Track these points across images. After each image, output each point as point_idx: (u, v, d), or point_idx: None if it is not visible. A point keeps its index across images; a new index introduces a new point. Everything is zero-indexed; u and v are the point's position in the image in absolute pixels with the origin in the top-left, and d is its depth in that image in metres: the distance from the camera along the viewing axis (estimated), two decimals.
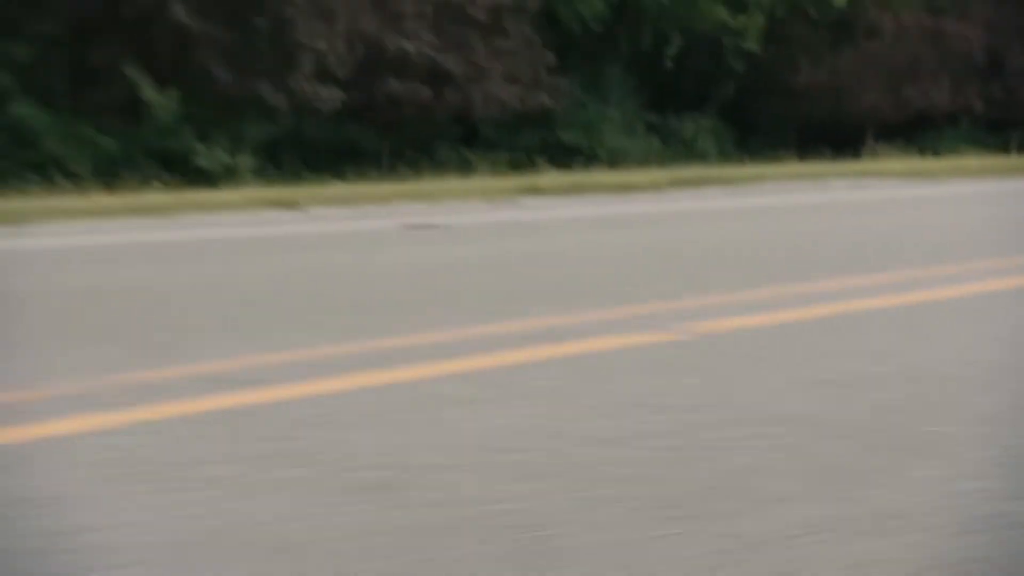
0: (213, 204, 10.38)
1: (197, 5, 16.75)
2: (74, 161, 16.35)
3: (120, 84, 16.75)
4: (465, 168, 22.09)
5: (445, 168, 21.61)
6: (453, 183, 15.31)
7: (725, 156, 25.78)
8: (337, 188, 13.77)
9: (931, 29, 26.11)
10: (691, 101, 27.31)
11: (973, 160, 21.33)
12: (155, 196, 12.35)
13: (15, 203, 11.01)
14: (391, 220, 8.33)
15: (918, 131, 25.82)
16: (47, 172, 15.88)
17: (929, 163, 21.25)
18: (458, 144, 24.06)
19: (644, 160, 24.34)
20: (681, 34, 26.28)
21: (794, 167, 20.68)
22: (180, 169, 16.89)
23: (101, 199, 11.23)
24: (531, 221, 8.84)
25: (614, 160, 24.23)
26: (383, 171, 19.80)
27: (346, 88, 18.49)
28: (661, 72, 26.78)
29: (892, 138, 25.98)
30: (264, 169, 17.66)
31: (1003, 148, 24.82)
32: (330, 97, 17.79)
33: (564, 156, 23.43)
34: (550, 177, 16.27)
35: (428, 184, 15.35)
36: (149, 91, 16.77)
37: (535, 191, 12.18)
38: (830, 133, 25.79)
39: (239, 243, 7.18)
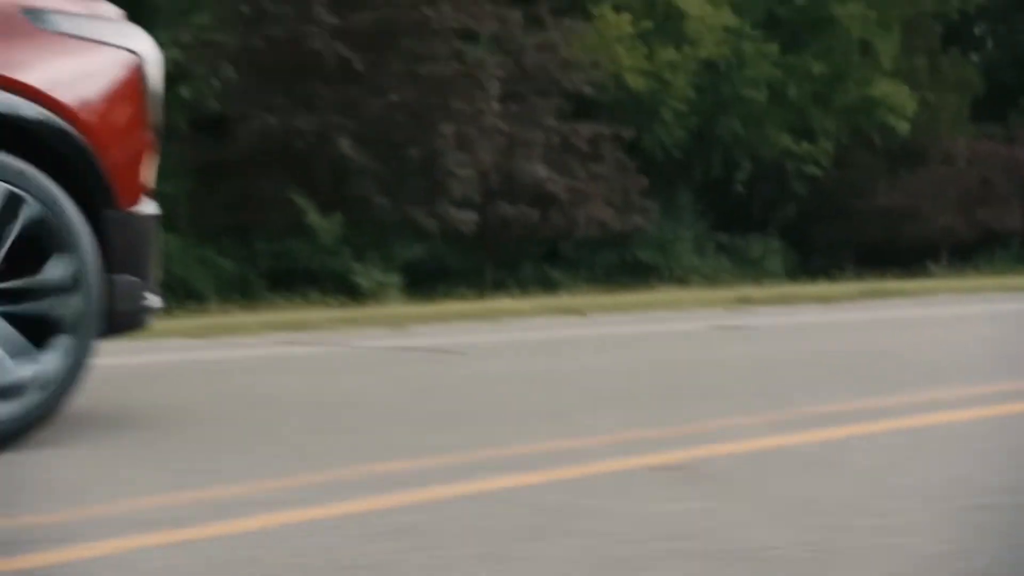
0: (506, 311, 11.75)
1: (358, 139, 18.35)
2: (244, 280, 17.83)
3: (288, 209, 18.29)
4: (548, 286, 23.51)
5: (529, 286, 23.08)
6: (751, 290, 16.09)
7: (790, 275, 27.25)
8: (609, 298, 14.81)
9: (989, 154, 27.96)
10: (757, 222, 28.98)
11: None
12: (462, 305, 13.24)
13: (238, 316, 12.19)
14: (700, 322, 9.58)
15: (981, 251, 27.47)
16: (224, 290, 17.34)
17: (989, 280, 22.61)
18: (541, 262, 25.61)
19: (714, 278, 25.88)
20: (750, 160, 28.02)
21: (875, 285, 22.06)
22: (337, 286, 18.39)
23: (358, 311, 12.37)
24: (823, 323, 9.98)
25: (686, 278, 25.75)
26: (487, 288, 21.29)
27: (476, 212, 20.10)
28: (729, 194, 28.49)
29: (952, 258, 27.62)
30: (408, 285, 19.18)
31: None
32: (469, 220, 19.36)
33: (641, 274, 24.96)
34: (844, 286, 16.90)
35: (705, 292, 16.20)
36: (314, 216, 18.31)
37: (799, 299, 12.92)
38: (888, 254, 27.33)
39: (555, 343, 8.35)
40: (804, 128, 27.69)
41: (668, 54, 25.52)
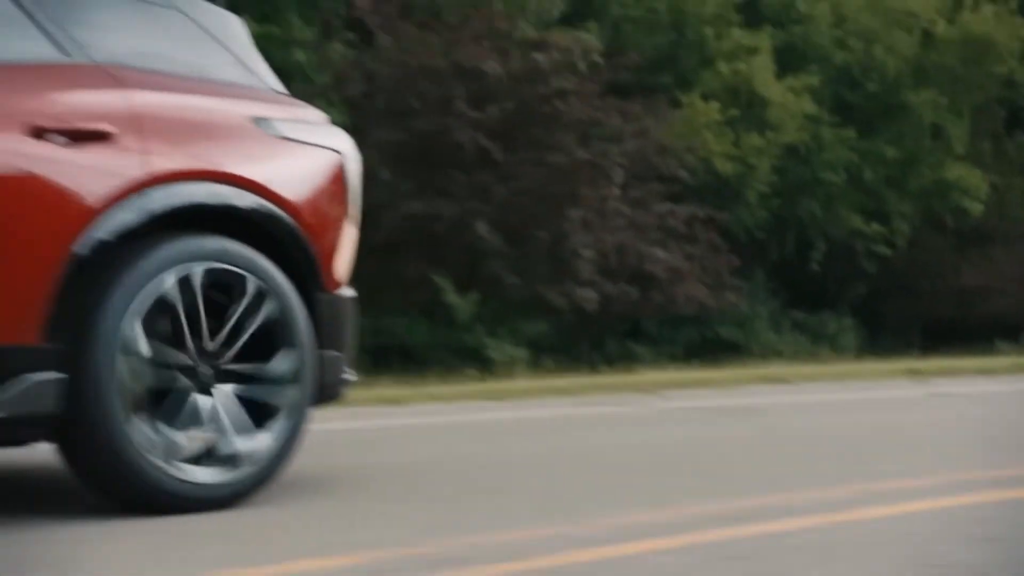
0: (696, 381, 12.87)
1: (492, 222, 19.66)
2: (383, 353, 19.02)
3: (428, 288, 19.57)
4: (630, 361, 24.46)
5: (613, 361, 24.10)
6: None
7: (861, 352, 28.12)
8: (816, 367, 15.59)
9: None
10: (829, 300, 30.06)
11: None
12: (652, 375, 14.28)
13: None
14: (908, 391, 10.57)
15: None
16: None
17: None
18: (624, 338, 26.62)
19: (793, 355, 26.89)
20: (824, 239, 29.15)
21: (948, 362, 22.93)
22: (471, 360, 19.60)
23: (533, 381, 13.39)
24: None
25: (765, 354, 26.71)
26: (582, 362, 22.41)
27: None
28: (803, 273, 29.59)
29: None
30: (534, 359, 20.41)
31: None
32: (592, 299, 20.62)
33: (721, 351, 25.94)
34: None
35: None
36: (451, 295, 19.58)
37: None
38: (959, 332, 28.24)
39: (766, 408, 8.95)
40: (878, 209, 28.86)
41: (753, 140, 26.86)
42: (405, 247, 19.44)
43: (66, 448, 3.93)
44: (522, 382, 17.04)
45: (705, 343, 27.58)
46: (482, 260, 19.68)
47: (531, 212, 19.81)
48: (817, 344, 28.89)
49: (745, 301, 26.56)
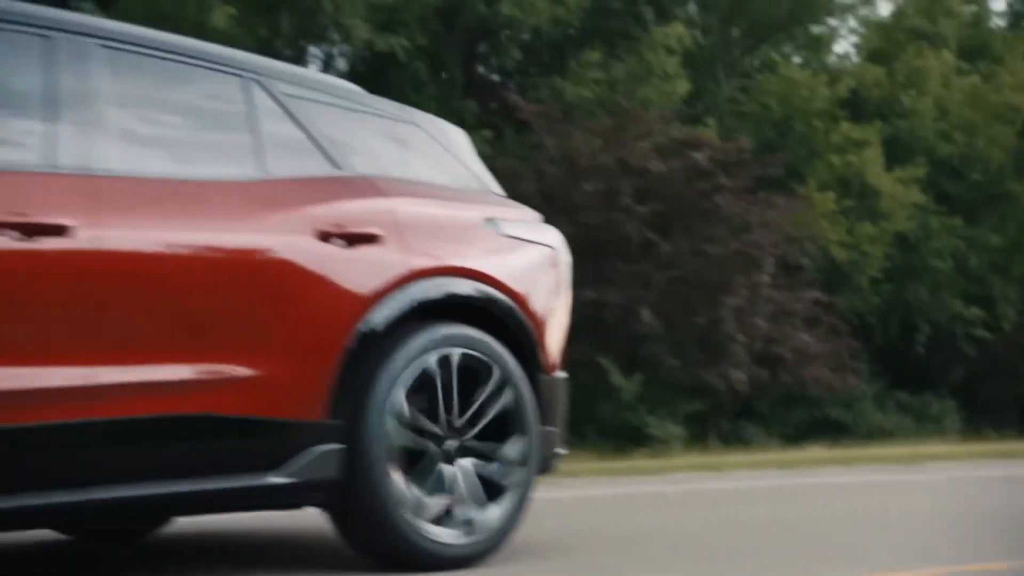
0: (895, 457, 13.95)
1: (657, 309, 21.03)
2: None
3: (595, 370, 20.89)
4: (742, 441, 25.45)
5: (727, 440, 25.14)
6: None
7: (962, 433, 29.09)
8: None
9: None
10: (931, 381, 31.09)
11: None
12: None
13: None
14: None
15: None
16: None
17: None
18: (736, 418, 27.67)
19: (899, 436, 27.88)
20: (928, 323, 30.30)
21: None
22: (631, 437, 20.87)
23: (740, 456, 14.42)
24: None
25: (872, 435, 27.69)
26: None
27: None
28: (907, 355, 30.68)
29: None
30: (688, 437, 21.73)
31: None
32: (743, 380, 21.91)
33: (830, 431, 26.95)
34: None
35: None
36: (617, 377, 20.91)
37: None
38: None
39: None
40: (983, 295, 30.03)
41: (866, 228, 28.21)
42: (573, 331, 20.67)
43: (335, 508, 4.38)
44: (692, 458, 18.18)
45: (814, 423, 28.47)
46: (643, 344, 21.01)
47: (689, 299, 21.17)
48: (921, 424, 29.77)
49: (863, 383, 27.68)
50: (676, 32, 28.91)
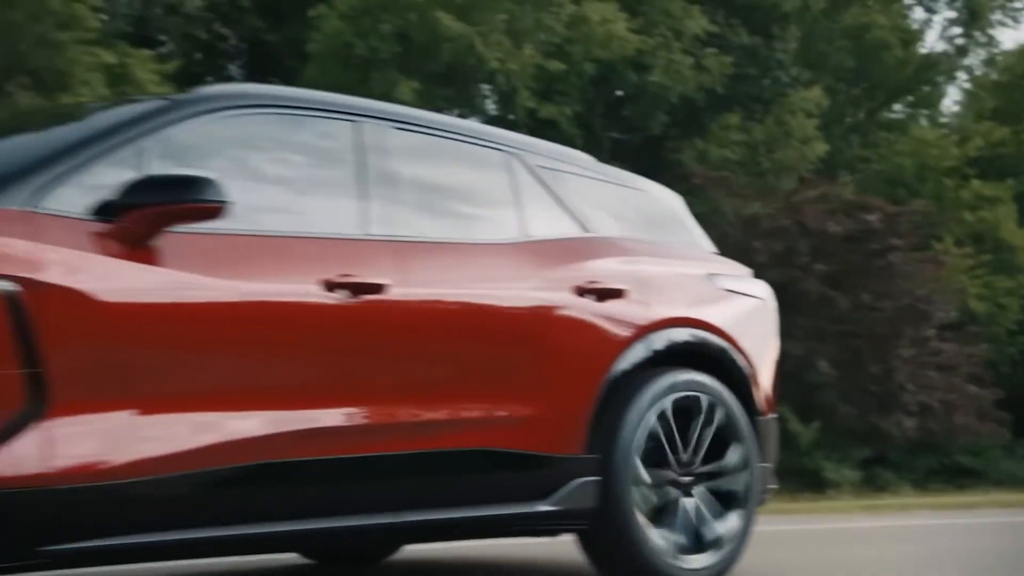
0: None
1: (832, 361, 22.50)
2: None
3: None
4: (876, 486, 26.52)
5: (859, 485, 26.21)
6: None
7: None
8: None
9: None
10: None
11: None
12: None
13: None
14: None
15: None
16: None
17: None
18: (871, 464, 28.73)
19: None
20: None
21: None
22: (808, 481, 22.26)
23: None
24: None
25: (1002, 482, 28.66)
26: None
27: None
28: None
29: None
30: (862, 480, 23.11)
31: None
32: (912, 427, 23.31)
33: (959, 477, 28.00)
34: None
35: None
36: (795, 424, 22.35)
37: None
38: None
39: None
40: None
41: (1003, 282, 29.52)
42: None
43: (586, 535, 4.79)
44: (864, 500, 19.36)
45: (944, 469, 29.33)
46: (819, 392, 22.44)
47: (862, 350, 22.61)
48: None
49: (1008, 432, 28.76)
50: (813, 96, 30.54)
